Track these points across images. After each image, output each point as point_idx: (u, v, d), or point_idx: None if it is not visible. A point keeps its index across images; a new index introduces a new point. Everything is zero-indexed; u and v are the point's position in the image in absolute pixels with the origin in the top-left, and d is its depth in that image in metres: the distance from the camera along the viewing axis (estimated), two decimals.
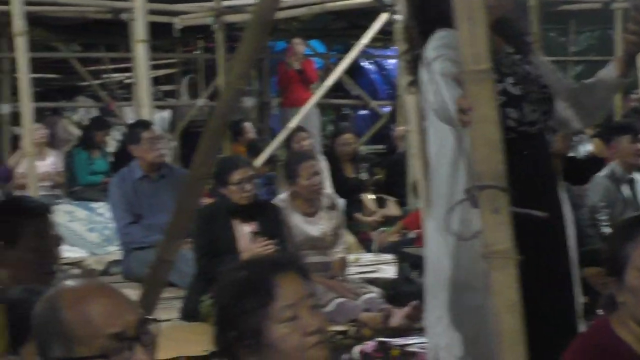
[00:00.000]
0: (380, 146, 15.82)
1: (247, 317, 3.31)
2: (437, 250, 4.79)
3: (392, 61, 18.20)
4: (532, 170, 3.88)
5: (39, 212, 5.15)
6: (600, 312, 4.31)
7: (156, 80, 12.58)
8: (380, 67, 18.77)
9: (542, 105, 4.80)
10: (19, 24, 9.50)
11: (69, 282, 3.10)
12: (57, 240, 5.08)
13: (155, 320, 3.06)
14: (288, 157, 9.71)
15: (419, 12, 4.91)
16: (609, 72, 5.07)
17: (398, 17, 11.16)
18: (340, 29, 16.18)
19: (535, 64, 4.89)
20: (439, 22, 4.69)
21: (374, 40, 13.01)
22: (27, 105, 9.78)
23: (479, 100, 3.55)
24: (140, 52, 9.62)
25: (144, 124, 9.19)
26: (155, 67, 11.93)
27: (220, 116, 4.94)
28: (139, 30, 9.53)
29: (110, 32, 15.56)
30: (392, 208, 11.45)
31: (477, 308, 4.59)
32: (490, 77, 3.56)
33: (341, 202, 9.14)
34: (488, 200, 3.52)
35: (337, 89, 14.70)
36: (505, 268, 3.50)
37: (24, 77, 9.64)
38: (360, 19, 14.02)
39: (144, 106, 9.69)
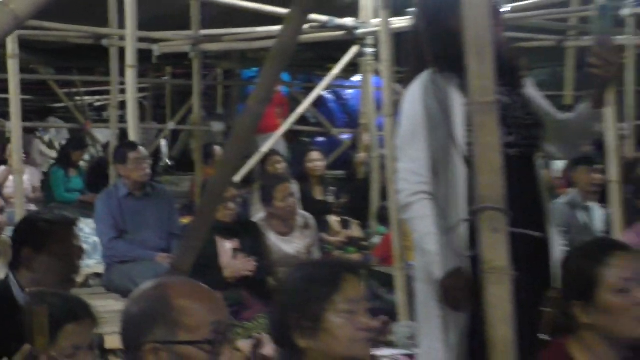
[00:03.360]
0: (340, 172, 15.89)
1: (312, 302, 3.58)
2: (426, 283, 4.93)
3: (350, 91, 18.52)
4: (513, 189, 3.97)
5: (64, 224, 5.29)
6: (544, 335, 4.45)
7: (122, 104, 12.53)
8: (338, 97, 18.99)
9: (523, 130, 4.92)
10: (12, 47, 9.58)
11: (168, 278, 3.33)
12: (79, 251, 5.25)
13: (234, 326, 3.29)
14: (263, 180, 9.86)
15: (418, 51, 5.06)
16: (586, 106, 5.28)
17: (368, 50, 11.31)
18: (306, 60, 16.31)
19: (524, 95, 5.06)
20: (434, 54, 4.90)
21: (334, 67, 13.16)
22: (16, 125, 9.85)
23: (484, 129, 3.73)
24: (130, 76, 9.68)
25: (130, 145, 9.26)
26: (123, 91, 11.87)
27: (240, 138, 5.07)
28: (129, 56, 9.57)
29: (86, 56, 15.59)
30: (355, 230, 11.61)
31: (461, 326, 4.75)
32: (495, 109, 3.74)
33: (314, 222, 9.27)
34: (489, 220, 3.69)
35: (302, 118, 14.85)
36: (502, 283, 3.64)
37: (15, 98, 9.73)
38: (326, 50, 14.15)
39: (130, 128, 9.76)
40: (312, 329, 3.59)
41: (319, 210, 10.77)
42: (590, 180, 9.30)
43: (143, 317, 3.18)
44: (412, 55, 5.09)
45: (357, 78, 13.96)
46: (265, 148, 12.57)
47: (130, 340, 3.20)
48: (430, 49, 4.91)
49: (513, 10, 11.80)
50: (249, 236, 8.45)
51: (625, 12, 11.92)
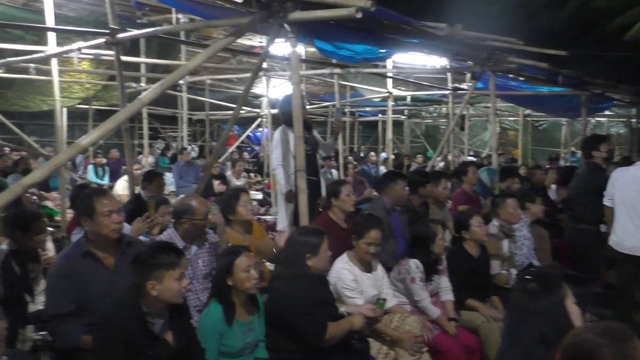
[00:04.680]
0: (254, 159, 15.62)
1: (232, 203, 3.60)
2: (281, 195, 4.92)
3: (259, 133, 18.18)
4: (308, 165, 3.95)
5: (157, 175, 5.20)
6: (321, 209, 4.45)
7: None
8: (254, 135, 18.56)
9: (312, 145, 4.86)
10: (144, 115, 9.15)
11: (192, 195, 3.28)
12: (164, 184, 5.38)
13: None
14: (232, 161, 9.77)
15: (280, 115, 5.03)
16: (332, 139, 5.31)
17: (264, 120, 11.08)
18: (242, 122, 15.96)
19: (312, 134, 5.01)
20: (284, 121, 4.86)
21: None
22: (146, 141, 9.49)
23: (299, 144, 3.71)
24: (184, 127, 9.33)
25: (185, 148, 9.04)
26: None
27: (220, 147, 4.99)
28: (184, 119, 9.26)
29: (170, 119, 14.98)
30: (259, 178, 11.43)
31: (292, 208, 4.73)
32: (302, 138, 3.73)
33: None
34: (300, 174, 3.68)
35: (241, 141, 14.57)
36: (304, 194, 3.64)
37: (145, 132, 9.36)
38: (249, 120, 13.85)
39: (185, 143, 9.45)
40: (231, 213, 3.52)
41: (247, 172, 10.59)
42: (330, 164, 9.18)
43: (181, 209, 3.09)
44: (281, 121, 5.05)
45: (260, 129, 13.62)
46: (231, 150, 12.26)
47: (176, 216, 3.11)
48: (282, 119, 4.89)
49: (309, 106, 11.76)
50: (224, 179, 8.34)
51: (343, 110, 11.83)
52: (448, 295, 3.71)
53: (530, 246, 4.59)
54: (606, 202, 4.38)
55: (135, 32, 4.47)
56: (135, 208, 4.47)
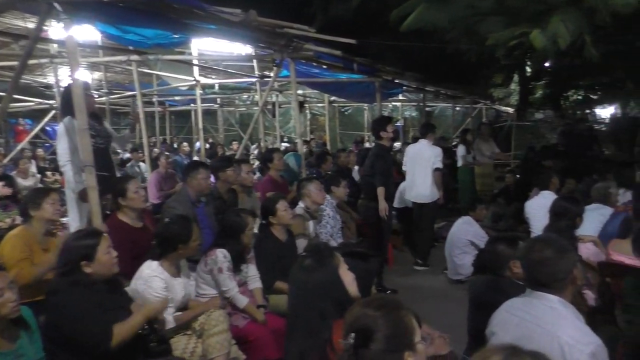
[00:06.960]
0: (52, 156, 13.99)
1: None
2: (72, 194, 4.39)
3: (57, 128, 16.42)
4: (97, 160, 3.61)
5: None
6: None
7: None
8: (52, 129, 16.57)
9: (103, 137, 4.37)
10: None
11: None
12: None
13: None
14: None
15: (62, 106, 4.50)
16: (128, 131, 4.97)
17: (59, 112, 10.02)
18: (36, 114, 14.09)
19: (103, 126, 4.52)
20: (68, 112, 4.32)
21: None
22: None
23: (83, 137, 3.39)
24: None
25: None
26: None
27: None
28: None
29: None
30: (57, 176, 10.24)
31: (87, 208, 4.24)
32: (87, 131, 3.41)
33: None
34: (88, 170, 3.39)
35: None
36: (95, 193, 3.36)
37: None
38: (42, 112, 12.30)
39: None
40: (36, 208, 3.24)
41: (42, 170, 9.44)
42: (138, 157, 8.66)
43: None
44: (62, 112, 4.53)
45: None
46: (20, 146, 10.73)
47: None
48: (67, 111, 4.33)
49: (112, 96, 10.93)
50: (10, 180, 7.14)
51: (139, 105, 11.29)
52: (256, 284, 3.75)
53: (337, 225, 4.89)
54: (404, 167, 6.35)
55: None
56: None
